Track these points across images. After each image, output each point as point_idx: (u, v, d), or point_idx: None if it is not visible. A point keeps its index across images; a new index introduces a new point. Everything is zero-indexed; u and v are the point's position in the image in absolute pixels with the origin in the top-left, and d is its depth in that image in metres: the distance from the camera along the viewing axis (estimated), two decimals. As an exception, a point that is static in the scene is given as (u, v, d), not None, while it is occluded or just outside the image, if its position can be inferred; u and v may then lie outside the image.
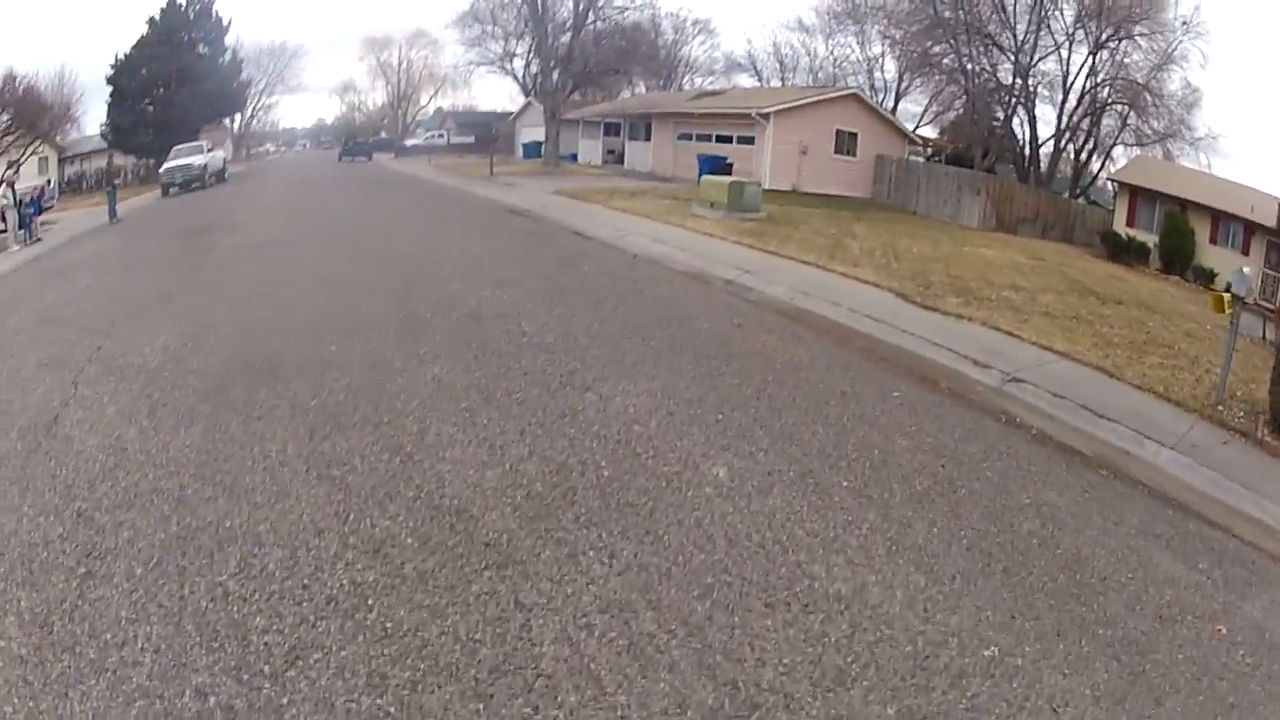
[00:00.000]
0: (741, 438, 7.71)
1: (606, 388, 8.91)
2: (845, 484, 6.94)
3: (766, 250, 18.82)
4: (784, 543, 5.98)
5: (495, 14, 58.47)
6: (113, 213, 31.66)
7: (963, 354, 10.95)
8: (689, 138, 42.33)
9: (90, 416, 8.61)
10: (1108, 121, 48.50)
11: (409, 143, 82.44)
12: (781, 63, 71.45)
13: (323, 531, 6.04)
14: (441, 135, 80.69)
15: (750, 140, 38.45)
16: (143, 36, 56.42)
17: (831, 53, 67.70)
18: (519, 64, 64.94)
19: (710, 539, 5.97)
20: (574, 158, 52.07)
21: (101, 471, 7.25)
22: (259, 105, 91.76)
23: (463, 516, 6.18)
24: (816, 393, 9.12)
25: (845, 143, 40.59)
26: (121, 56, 55.94)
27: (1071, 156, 50.91)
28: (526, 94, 64.96)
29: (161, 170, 43.57)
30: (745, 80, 69.62)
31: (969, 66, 49.07)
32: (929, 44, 50.71)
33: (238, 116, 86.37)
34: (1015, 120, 50.13)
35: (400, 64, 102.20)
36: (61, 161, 61.22)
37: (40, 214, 30.13)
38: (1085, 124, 48.54)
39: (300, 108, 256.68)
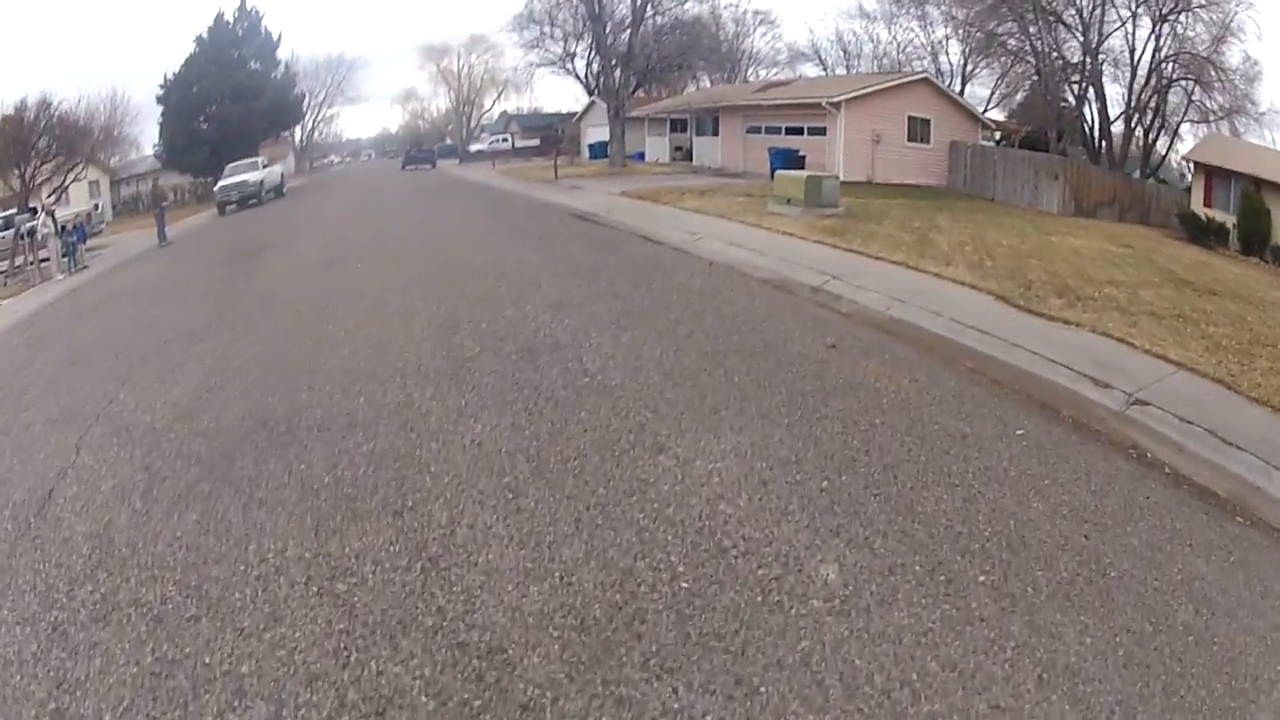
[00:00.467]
0: (853, 514, 6.18)
1: (684, 446, 7.38)
2: (982, 578, 5.39)
3: (851, 250, 17.28)
4: (914, 684, 4.47)
5: (552, 14, 57.94)
6: (162, 235, 31.40)
7: (1079, 370, 9.41)
8: (758, 131, 40.69)
9: (84, 493, 7.56)
10: (1173, 98, 47.56)
11: (473, 148, 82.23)
12: (845, 50, 70.25)
13: (316, 679, 4.70)
14: (506, 139, 79.88)
15: (821, 131, 36.69)
16: (191, 55, 56.77)
17: (895, 37, 66.54)
18: (580, 64, 64.47)
19: (820, 685, 4.46)
20: (641, 156, 50.74)
21: (84, 570, 6.17)
22: (319, 117, 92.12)
23: (494, 660, 4.73)
24: (932, 437, 7.58)
25: (918, 130, 38.77)
26: (170, 76, 55.91)
27: (1140, 136, 49.55)
28: (590, 93, 64.13)
29: (216, 188, 43.48)
30: (810, 70, 68.28)
31: (1037, 45, 47.53)
32: (994, 23, 49.43)
33: (299, 130, 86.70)
34: (1083, 100, 48.69)
35: (460, 70, 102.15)
36: (117, 183, 61.49)
37: (85, 240, 29.67)
38: (1152, 102, 47.21)
39: (365, 118, 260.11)
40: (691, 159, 46.82)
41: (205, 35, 57.09)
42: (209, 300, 16.56)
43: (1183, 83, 45.87)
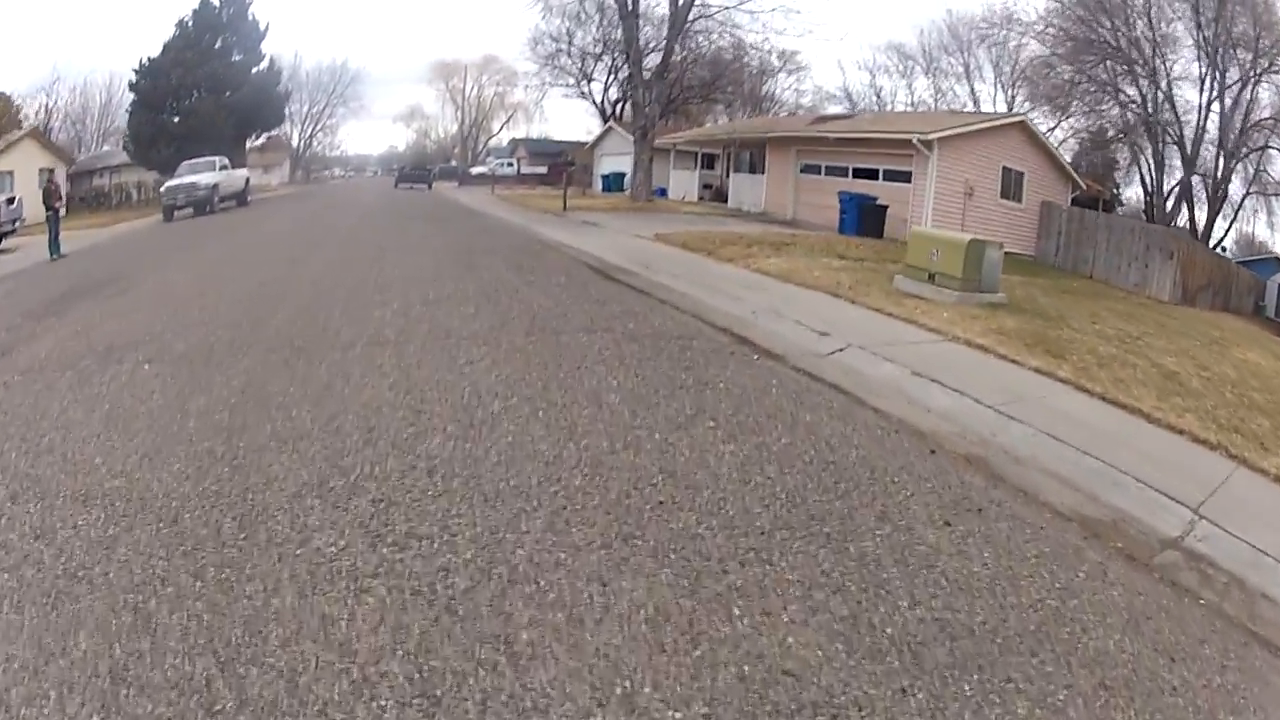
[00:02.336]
0: None
1: None
2: None
3: (1113, 401, 8.50)
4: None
5: (570, 31, 49.48)
6: (54, 247, 21.71)
7: None
8: (816, 170, 30.74)
9: None
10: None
11: (475, 170, 71.93)
12: (878, 96, 61.53)
13: None
14: (511, 164, 69.74)
15: (903, 176, 26.95)
16: (170, 40, 46.60)
17: (934, 84, 58.23)
18: (597, 88, 55.76)
19: None
20: (663, 192, 40.31)
21: None
22: (319, 126, 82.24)
23: None
24: None
25: (1012, 184, 29.09)
26: (146, 61, 46.01)
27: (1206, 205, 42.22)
28: (605, 119, 55.40)
29: (162, 189, 33.70)
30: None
31: (1146, 94, 38.94)
32: (1083, 64, 40.92)
33: (296, 137, 77.22)
34: (1192, 165, 40.45)
35: (469, 89, 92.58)
36: (88, 174, 52.07)
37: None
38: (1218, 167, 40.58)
39: (373, 135, 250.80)
40: (725, 199, 36.63)
41: (189, 19, 46.97)
42: None
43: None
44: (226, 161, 36.82)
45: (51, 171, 23.23)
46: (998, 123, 29.47)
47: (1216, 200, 40.47)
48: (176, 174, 34.20)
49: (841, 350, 9.11)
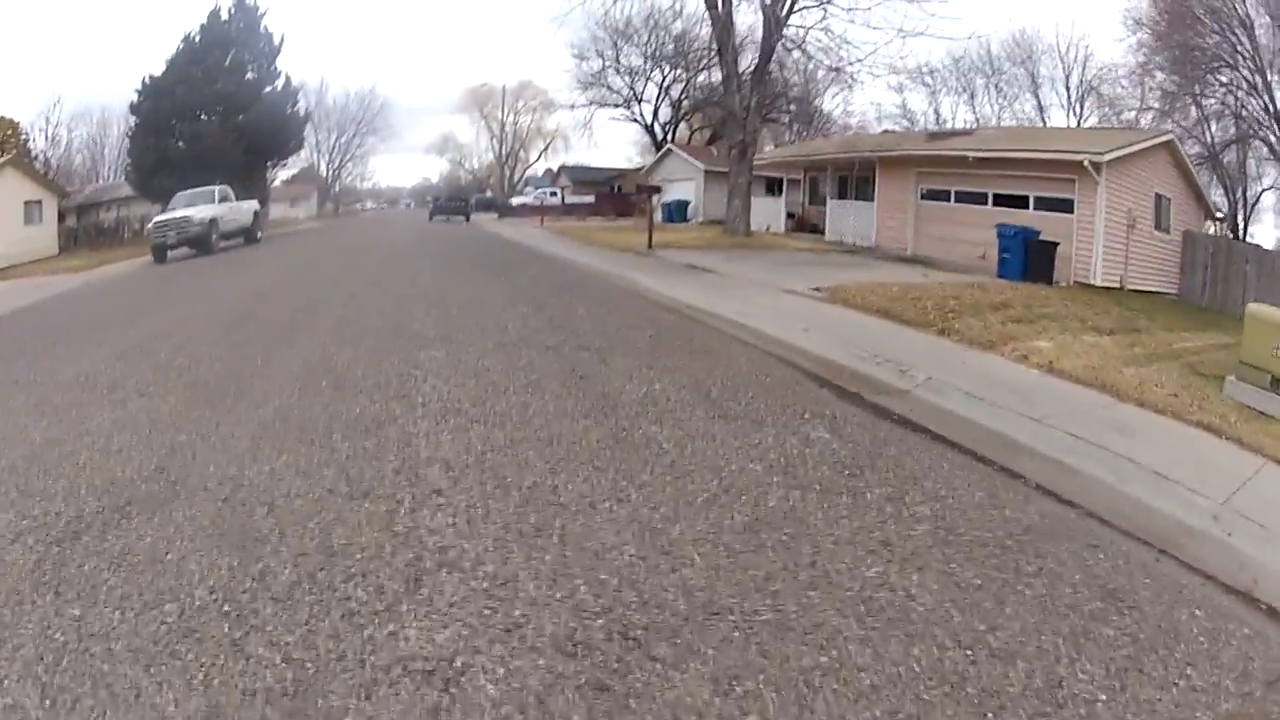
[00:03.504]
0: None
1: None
2: None
3: None
4: None
5: (618, 45, 45.24)
6: (-20, 313, 16.07)
7: None
8: (943, 197, 24.89)
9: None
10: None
11: (515, 201, 65.85)
12: (937, 112, 56.76)
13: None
14: (555, 193, 63.15)
15: (1061, 205, 21.30)
16: (174, 55, 41.23)
17: (1001, 94, 53.68)
18: (647, 110, 51.70)
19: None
20: None
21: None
22: (347, 156, 77.38)
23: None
24: None
25: (1163, 213, 23.98)
26: (148, 80, 40.65)
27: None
28: (656, 144, 50.09)
29: (150, 225, 28.10)
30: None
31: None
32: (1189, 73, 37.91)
33: (324, 168, 72.30)
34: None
35: (505, 115, 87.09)
36: (94, 207, 47.06)
37: None
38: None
39: (406, 166, 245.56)
40: (813, 229, 30.92)
41: (196, 35, 41.36)
42: None
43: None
44: (229, 192, 30.73)
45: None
46: (1151, 142, 23.82)
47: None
48: (169, 207, 28.70)
49: None
